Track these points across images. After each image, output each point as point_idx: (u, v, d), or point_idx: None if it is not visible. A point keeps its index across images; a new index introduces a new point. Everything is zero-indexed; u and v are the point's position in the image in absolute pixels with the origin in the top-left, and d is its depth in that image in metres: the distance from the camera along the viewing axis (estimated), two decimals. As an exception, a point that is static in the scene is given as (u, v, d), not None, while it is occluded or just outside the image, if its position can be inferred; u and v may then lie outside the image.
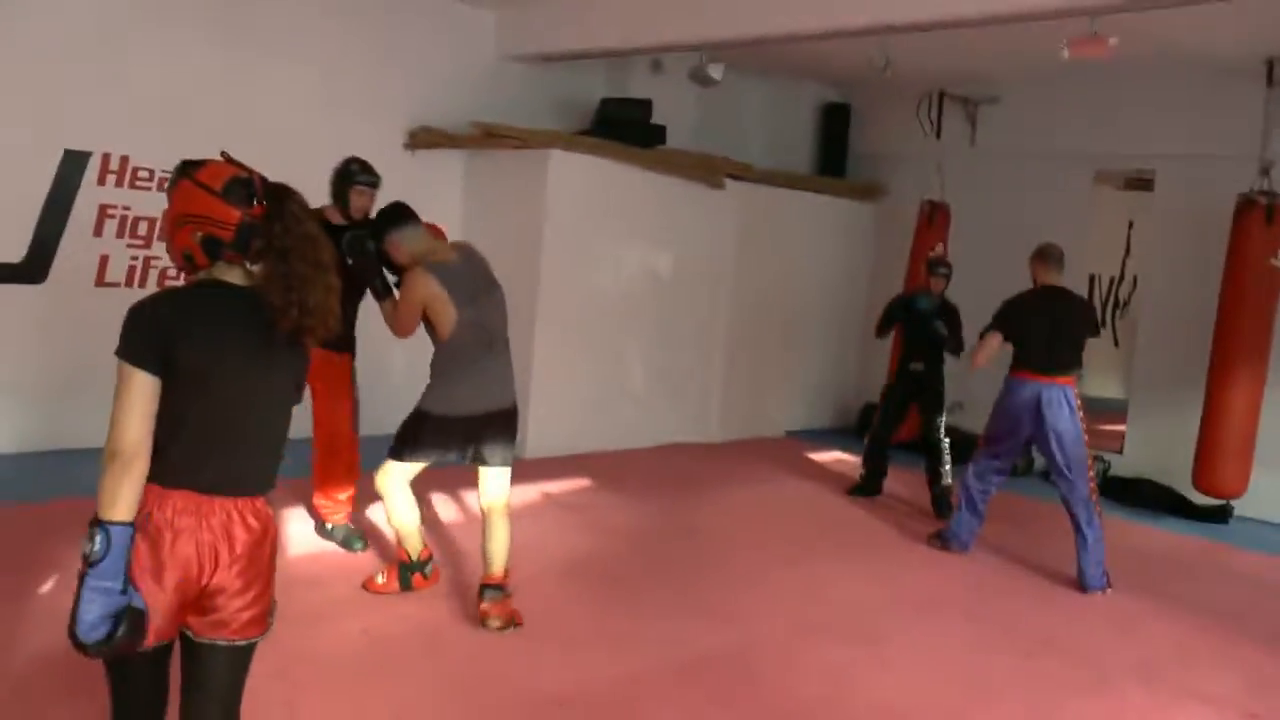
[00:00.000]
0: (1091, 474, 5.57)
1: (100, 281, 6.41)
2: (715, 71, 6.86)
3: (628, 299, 7.86)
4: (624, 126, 7.76)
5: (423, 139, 7.53)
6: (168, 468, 2.23)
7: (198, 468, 2.26)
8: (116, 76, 6.31)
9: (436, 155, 7.72)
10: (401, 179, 7.30)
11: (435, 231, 4.59)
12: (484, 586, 4.38)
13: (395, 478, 4.42)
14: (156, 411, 2.22)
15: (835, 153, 9.59)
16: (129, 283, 6.50)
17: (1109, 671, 4.50)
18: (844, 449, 8.63)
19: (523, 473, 6.90)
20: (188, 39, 6.58)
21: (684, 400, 8.40)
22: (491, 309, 4.36)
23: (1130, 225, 11.55)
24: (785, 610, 4.92)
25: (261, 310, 2.28)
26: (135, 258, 6.50)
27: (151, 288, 6.56)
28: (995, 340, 5.63)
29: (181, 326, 2.22)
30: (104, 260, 6.40)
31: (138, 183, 6.45)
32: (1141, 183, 9.54)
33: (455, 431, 4.30)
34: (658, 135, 7.91)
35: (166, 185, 2.39)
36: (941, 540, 5.98)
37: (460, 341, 4.24)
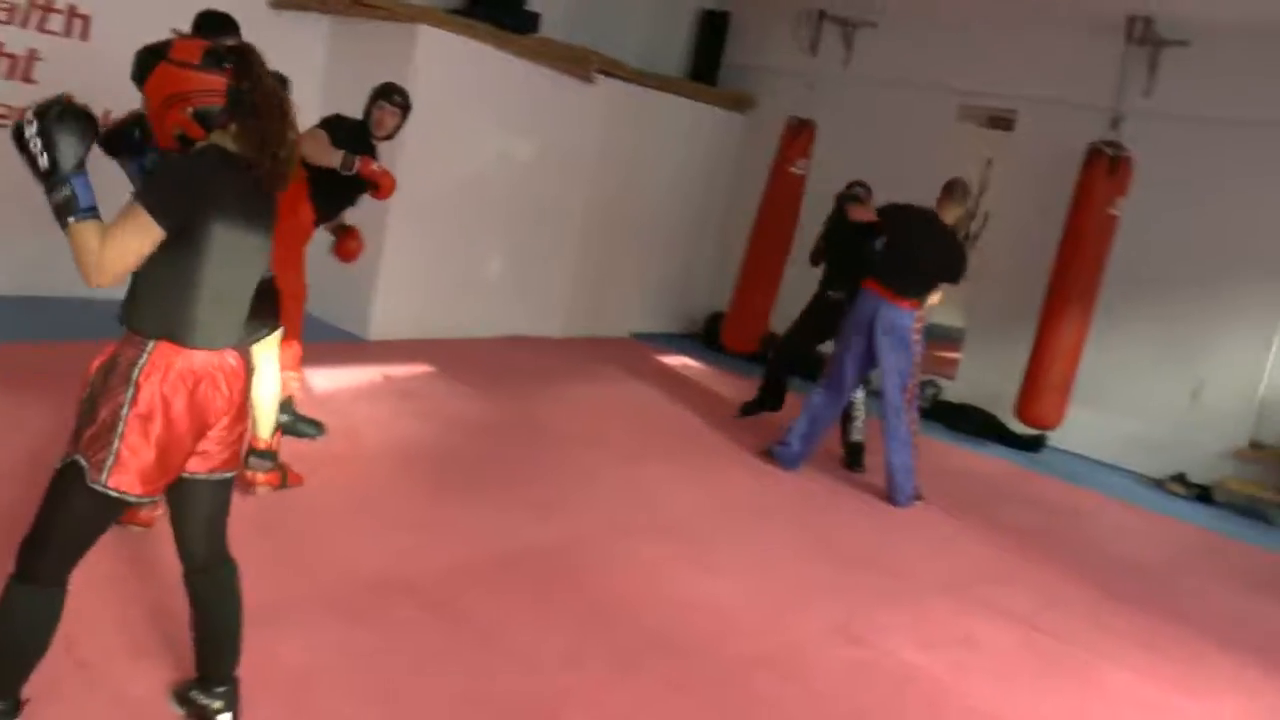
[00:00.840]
0: (911, 387, 5.74)
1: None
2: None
3: (486, 187, 7.68)
4: (497, 8, 7.50)
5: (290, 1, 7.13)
6: (183, 326, 2.40)
7: (209, 324, 2.44)
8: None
9: (303, 18, 7.33)
10: (261, 39, 6.94)
11: None
12: (251, 452, 4.20)
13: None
14: (155, 271, 2.36)
15: (709, 60, 9.48)
16: None
17: (918, 584, 4.74)
18: (689, 355, 8.74)
19: (365, 354, 6.82)
20: None
21: (532, 294, 8.32)
22: None
23: (989, 164, 11.87)
24: (612, 508, 4.99)
25: (248, 170, 2.43)
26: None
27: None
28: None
29: (211, 190, 2.38)
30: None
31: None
32: (1002, 122, 9.77)
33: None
34: (531, 22, 7.68)
35: (130, 75, 2.59)
36: (771, 455, 6.10)
37: None
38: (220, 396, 2.47)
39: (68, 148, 2.28)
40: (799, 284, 7.74)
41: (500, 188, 7.78)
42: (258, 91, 2.42)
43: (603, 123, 8.30)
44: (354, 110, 5.53)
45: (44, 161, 2.27)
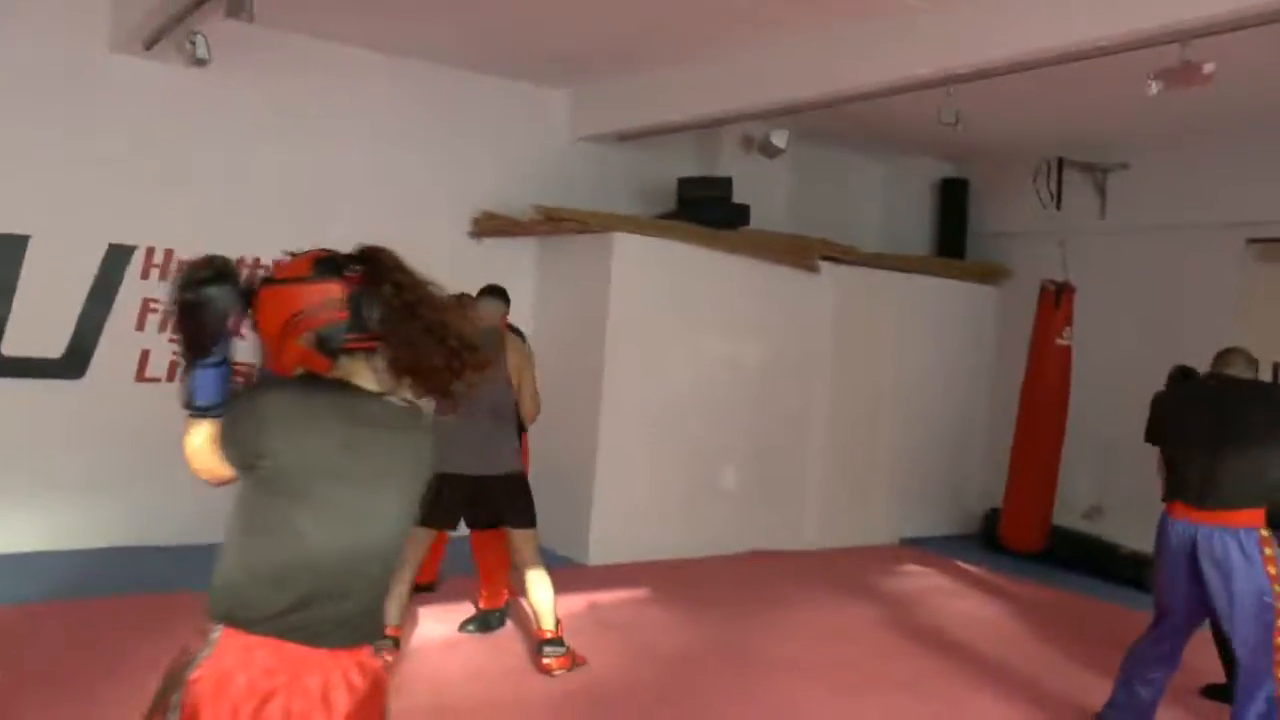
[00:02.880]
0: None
1: (141, 377, 6.24)
2: (779, 139, 6.26)
3: (708, 392, 7.19)
4: (703, 207, 7.21)
5: (487, 226, 7.18)
6: (253, 608, 1.84)
7: (305, 607, 1.85)
8: (166, 169, 6.21)
9: (508, 242, 7.35)
10: (470, 267, 7.02)
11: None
12: (542, 642, 4.75)
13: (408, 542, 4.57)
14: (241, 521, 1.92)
15: (953, 231, 8.71)
16: (170, 378, 6.31)
17: None
18: (964, 559, 7.62)
19: (579, 580, 6.32)
20: (243, 130, 6.46)
21: (777, 504, 7.58)
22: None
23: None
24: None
25: (392, 413, 1.95)
26: (177, 352, 6.30)
27: (194, 383, 6.37)
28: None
29: (290, 425, 1.88)
30: (145, 355, 6.24)
31: (183, 276, 6.31)
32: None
33: (451, 492, 4.53)
34: (740, 215, 7.31)
35: (243, 317, 1.98)
36: None
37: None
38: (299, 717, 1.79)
39: (201, 328, 1.92)
40: (1078, 468, 6.63)
41: (725, 390, 7.26)
42: (406, 289, 1.93)
43: (835, 312, 7.66)
44: (559, 331, 5.41)
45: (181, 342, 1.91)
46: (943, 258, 8.58)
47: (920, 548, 8.01)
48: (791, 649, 5.38)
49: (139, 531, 6.25)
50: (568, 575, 6.45)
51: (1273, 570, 4.01)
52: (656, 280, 6.92)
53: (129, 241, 6.17)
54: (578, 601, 5.84)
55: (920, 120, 6.79)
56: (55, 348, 6.03)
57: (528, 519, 4.87)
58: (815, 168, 8.44)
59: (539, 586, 4.76)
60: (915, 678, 5.05)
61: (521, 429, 5.07)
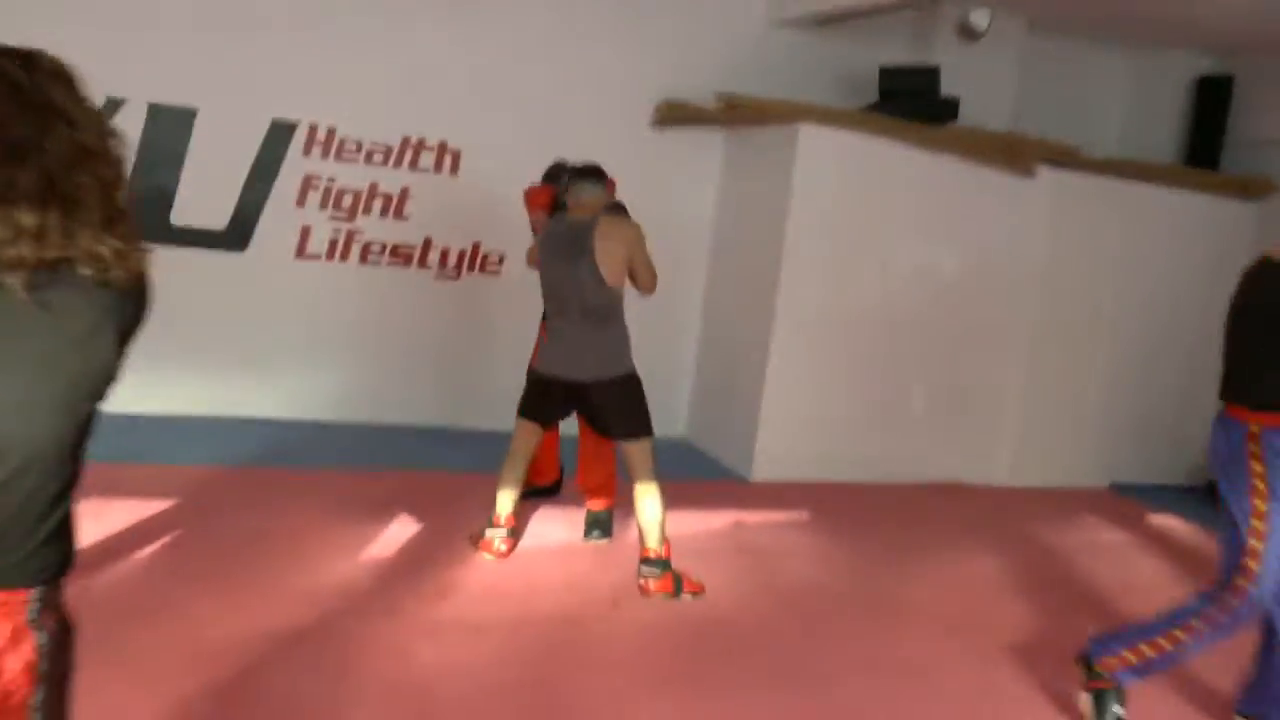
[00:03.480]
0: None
1: (301, 253, 6.18)
2: (979, 19, 5.39)
3: (897, 304, 6.49)
4: (906, 99, 6.43)
5: (669, 115, 6.65)
6: None
7: None
8: (330, 47, 6.02)
9: (691, 135, 6.83)
10: (649, 161, 6.59)
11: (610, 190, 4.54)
12: (641, 560, 4.35)
13: (516, 432, 4.59)
14: None
15: (1208, 138, 7.47)
16: (330, 256, 6.22)
17: None
18: (1181, 514, 6.64)
19: (734, 497, 5.88)
20: (411, 10, 6.18)
21: (968, 432, 6.83)
22: (563, 276, 4.27)
23: None
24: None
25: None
26: (337, 230, 6.20)
27: (354, 263, 6.27)
28: None
29: None
30: (305, 232, 6.15)
31: (344, 155, 6.15)
32: None
33: (549, 392, 4.45)
34: (947, 110, 6.48)
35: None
36: None
37: (547, 302, 4.47)
38: None
39: None
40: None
41: (916, 304, 6.53)
42: None
43: (1052, 223, 6.72)
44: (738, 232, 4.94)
45: None
46: (1192, 167, 7.41)
47: (1132, 496, 7.07)
48: (934, 598, 4.71)
49: (287, 406, 6.30)
50: (726, 489, 6.07)
51: None
52: (846, 178, 6.24)
53: (292, 118, 6.05)
54: (724, 520, 5.43)
55: (1178, 4, 5.81)
56: (219, 220, 6.03)
57: (632, 428, 4.37)
58: (1047, 62, 7.43)
59: (645, 503, 4.34)
60: (1063, 655, 4.33)
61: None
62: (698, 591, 4.34)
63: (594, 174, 4.39)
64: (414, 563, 4.38)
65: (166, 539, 4.30)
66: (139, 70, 5.65)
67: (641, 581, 4.31)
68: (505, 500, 4.54)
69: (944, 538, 5.67)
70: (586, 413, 4.55)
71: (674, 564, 4.37)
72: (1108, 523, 6.40)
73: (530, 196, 5.05)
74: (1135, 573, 5.45)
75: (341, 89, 6.07)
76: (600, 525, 4.92)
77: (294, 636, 3.56)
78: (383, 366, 6.44)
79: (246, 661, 3.35)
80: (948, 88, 6.60)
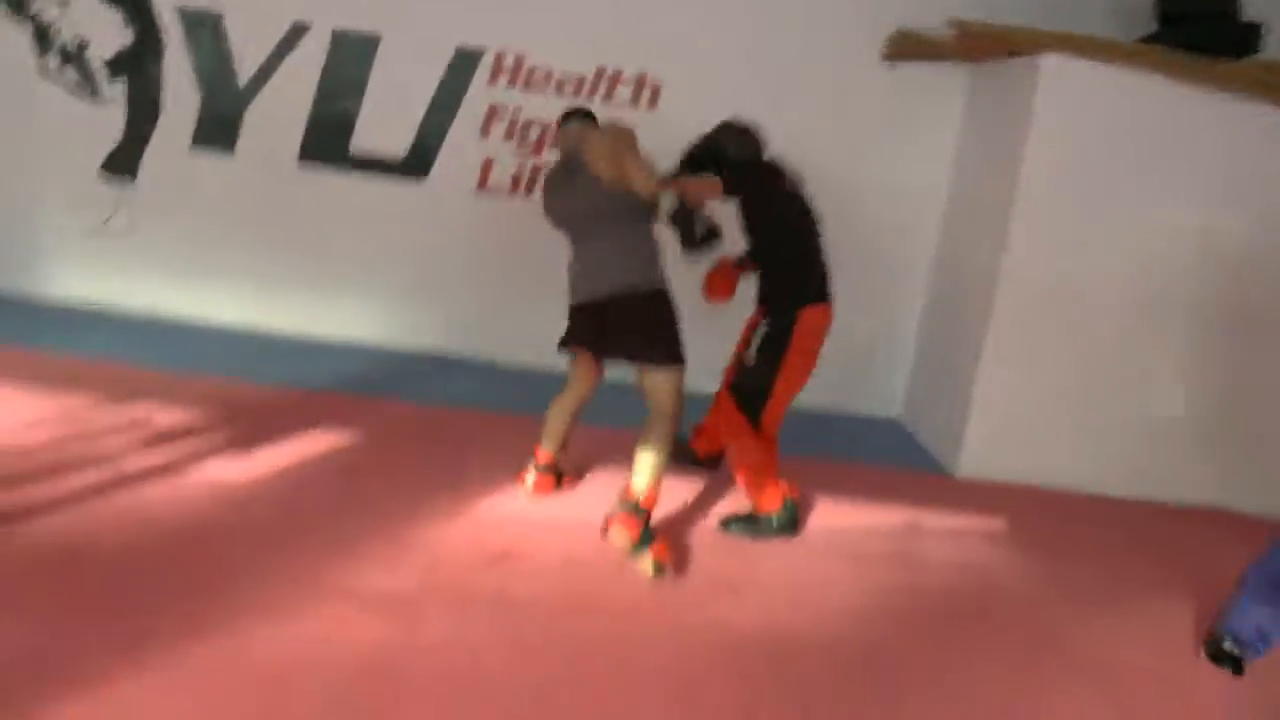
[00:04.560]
0: None
1: (482, 185, 5.85)
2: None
3: (1158, 281, 5.26)
4: (1191, 26, 5.19)
5: (901, 46, 5.75)
6: None
7: None
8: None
9: (929, 70, 5.90)
10: (878, 99, 5.80)
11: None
12: (620, 498, 3.73)
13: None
14: None
15: None
16: (513, 190, 5.86)
17: None
18: None
19: (928, 492, 5.00)
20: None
21: (1241, 445, 5.49)
22: (566, 200, 3.90)
23: None
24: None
25: None
26: (522, 165, 5.82)
27: (537, 199, 5.88)
28: None
29: None
30: (488, 164, 5.82)
31: (532, 85, 5.76)
32: None
33: (580, 320, 3.89)
34: (1247, 40, 5.16)
35: None
36: None
37: (570, 244, 3.99)
38: None
39: None
40: None
41: (1183, 283, 5.27)
42: None
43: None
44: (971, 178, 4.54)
45: None
46: None
47: None
48: (1146, 663, 3.64)
49: (459, 340, 6.07)
50: (921, 483, 5.21)
51: None
52: (1100, 122, 5.09)
53: (478, 45, 5.73)
54: (899, 518, 4.59)
55: None
56: (400, 149, 5.82)
57: (655, 352, 3.74)
58: None
59: (650, 440, 3.72)
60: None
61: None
62: (661, 563, 3.67)
63: (576, 115, 4.05)
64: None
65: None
66: (321, -1, 5.55)
67: (608, 516, 3.68)
68: (547, 436, 4.19)
69: (1190, 582, 4.46)
70: (610, 343, 3.83)
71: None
72: None
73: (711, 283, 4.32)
74: None
75: (532, 14, 5.67)
76: (743, 523, 4.19)
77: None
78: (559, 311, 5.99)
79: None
80: (1255, 10, 5.29)
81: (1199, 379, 5.39)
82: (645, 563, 3.66)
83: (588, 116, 4.04)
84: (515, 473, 4.34)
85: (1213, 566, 4.57)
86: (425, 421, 4.93)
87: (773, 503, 4.14)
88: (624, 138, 3.71)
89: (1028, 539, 4.59)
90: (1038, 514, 4.96)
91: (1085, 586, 4.17)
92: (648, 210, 3.78)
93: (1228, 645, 3.61)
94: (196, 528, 3.49)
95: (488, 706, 2.78)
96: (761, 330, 4.03)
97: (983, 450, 5.35)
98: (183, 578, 3.16)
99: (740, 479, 4.12)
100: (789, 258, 4.00)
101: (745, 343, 4.12)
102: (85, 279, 6.00)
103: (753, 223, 4.04)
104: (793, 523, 4.17)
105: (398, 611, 3.16)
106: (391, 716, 2.68)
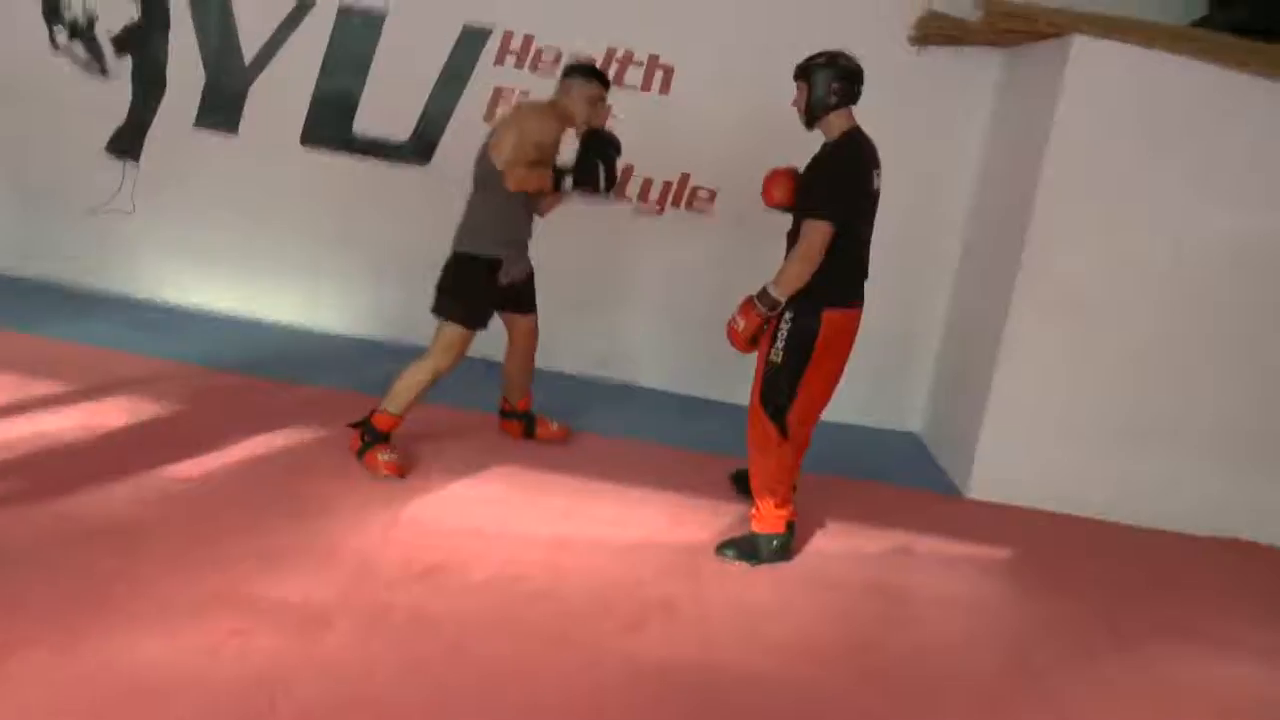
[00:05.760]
0: None
1: (485, 173, 5.66)
2: None
3: (1194, 288, 4.81)
4: (1244, 7, 4.73)
5: (930, 30, 5.36)
6: None
7: None
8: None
9: (961, 54, 5.50)
10: (909, 87, 5.44)
11: None
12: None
13: None
14: None
15: None
16: (517, 180, 5.65)
17: None
18: None
19: (930, 514, 4.65)
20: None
21: (1274, 474, 5.03)
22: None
23: None
24: None
25: None
26: (528, 150, 5.62)
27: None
28: None
29: None
30: (491, 149, 5.63)
31: (540, 65, 5.52)
32: None
33: None
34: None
35: None
36: None
37: None
38: None
39: None
40: None
41: (1221, 290, 4.83)
42: None
43: None
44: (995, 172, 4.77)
45: None
46: None
47: None
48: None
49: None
50: (924, 503, 4.86)
51: None
52: (1136, 110, 4.66)
53: (485, 22, 5.51)
54: (891, 541, 4.25)
55: None
56: (403, 131, 5.64)
57: (438, 305, 4.14)
58: None
59: (412, 370, 4.11)
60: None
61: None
62: (390, 473, 4.05)
63: (577, 69, 4.26)
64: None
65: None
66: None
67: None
68: (399, 393, 4.20)
69: (1207, 620, 4.06)
70: None
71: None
72: None
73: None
74: None
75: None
76: (738, 547, 3.90)
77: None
78: (575, 309, 5.73)
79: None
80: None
81: (1233, 397, 4.93)
82: (380, 470, 4.05)
83: (586, 74, 4.20)
84: (478, 473, 4.15)
85: (1235, 608, 4.16)
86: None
87: (775, 524, 3.86)
88: (527, 118, 4.09)
89: (1031, 572, 4.23)
90: (1048, 543, 4.60)
91: (1085, 630, 3.80)
92: (501, 185, 4.02)
93: None
94: (118, 529, 3.36)
95: (361, 735, 2.59)
96: (785, 326, 3.72)
97: (996, 469, 4.97)
98: (83, 581, 3.02)
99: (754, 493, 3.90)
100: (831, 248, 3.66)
101: (771, 338, 3.80)
102: (86, 262, 5.95)
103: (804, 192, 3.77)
104: (789, 547, 3.90)
105: (303, 624, 2.98)
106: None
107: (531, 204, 4.24)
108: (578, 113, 4.16)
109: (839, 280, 3.73)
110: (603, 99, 4.23)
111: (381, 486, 3.98)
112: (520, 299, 4.42)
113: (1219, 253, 4.79)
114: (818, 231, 3.59)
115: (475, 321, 4.12)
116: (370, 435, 4.09)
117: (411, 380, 4.08)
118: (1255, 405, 4.93)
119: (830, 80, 3.69)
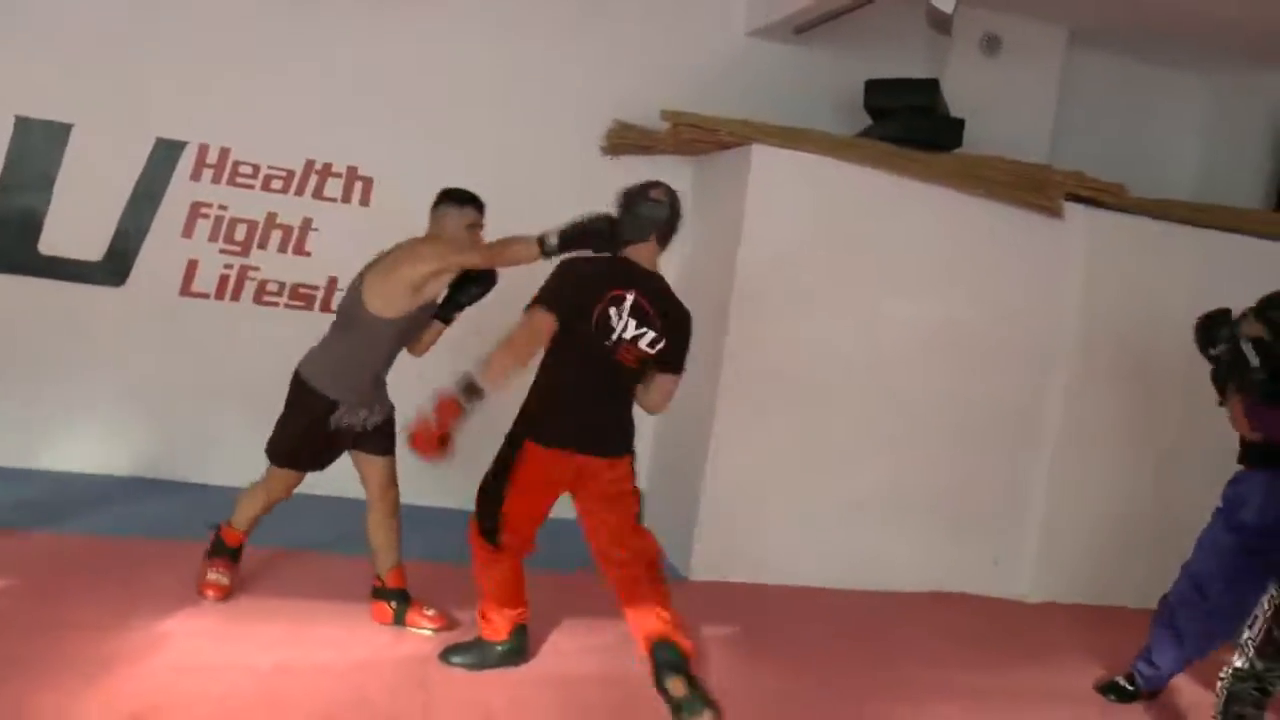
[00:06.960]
0: None
1: (186, 290, 5.45)
2: (944, 3, 4.23)
3: (884, 370, 5.31)
4: (897, 119, 5.33)
5: (620, 140, 5.70)
6: None
7: None
8: (225, 58, 5.36)
9: (650, 162, 5.83)
10: (602, 192, 5.64)
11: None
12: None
13: None
14: None
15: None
16: (219, 294, 5.47)
17: None
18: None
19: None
20: (319, 14, 5.47)
21: (973, 530, 5.54)
22: None
23: None
24: None
25: None
26: (229, 266, 5.46)
27: (246, 303, 5.52)
28: None
29: None
30: (192, 266, 5.43)
31: (238, 179, 5.44)
32: None
33: None
34: (950, 133, 5.35)
35: None
36: None
37: None
38: None
39: None
40: None
41: (913, 372, 5.34)
42: None
43: (1091, 275, 5.45)
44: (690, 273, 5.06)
45: None
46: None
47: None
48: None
49: (169, 465, 5.52)
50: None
51: None
52: (816, 213, 5.16)
53: (180, 137, 5.38)
54: (609, 630, 4.32)
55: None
56: (95, 250, 5.37)
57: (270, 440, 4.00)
58: (1096, 82, 6.24)
59: (240, 498, 4.09)
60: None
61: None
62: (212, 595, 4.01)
63: (449, 196, 4.00)
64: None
65: None
66: (5, 79, 5.12)
67: None
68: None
69: (917, 669, 4.42)
70: None
71: None
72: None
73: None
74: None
75: (237, 105, 5.38)
76: (465, 652, 3.82)
77: None
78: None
79: None
80: (964, 110, 5.48)
81: (926, 464, 5.42)
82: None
83: (441, 203, 3.96)
84: (190, 603, 3.94)
85: (943, 653, 4.56)
86: (101, 553, 4.43)
87: (498, 631, 3.84)
88: (422, 256, 3.80)
89: (752, 644, 4.43)
90: (769, 614, 4.83)
91: (807, 693, 4.02)
92: (362, 321, 3.81)
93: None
94: None
95: None
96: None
97: (714, 553, 5.21)
98: None
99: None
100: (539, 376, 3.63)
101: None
102: None
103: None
104: (520, 650, 3.88)
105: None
106: None
107: (406, 340, 3.97)
108: (461, 241, 3.89)
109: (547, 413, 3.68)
110: (479, 224, 3.96)
111: (92, 625, 3.70)
112: (369, 437, 3.99)
113: (908, 337, 5.30)
114: None
115: (292, 462, 3.97)
116: (214, 546, 4.06)
117: (246, 498, 4.07)
118: (942, 476, 5.44)
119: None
